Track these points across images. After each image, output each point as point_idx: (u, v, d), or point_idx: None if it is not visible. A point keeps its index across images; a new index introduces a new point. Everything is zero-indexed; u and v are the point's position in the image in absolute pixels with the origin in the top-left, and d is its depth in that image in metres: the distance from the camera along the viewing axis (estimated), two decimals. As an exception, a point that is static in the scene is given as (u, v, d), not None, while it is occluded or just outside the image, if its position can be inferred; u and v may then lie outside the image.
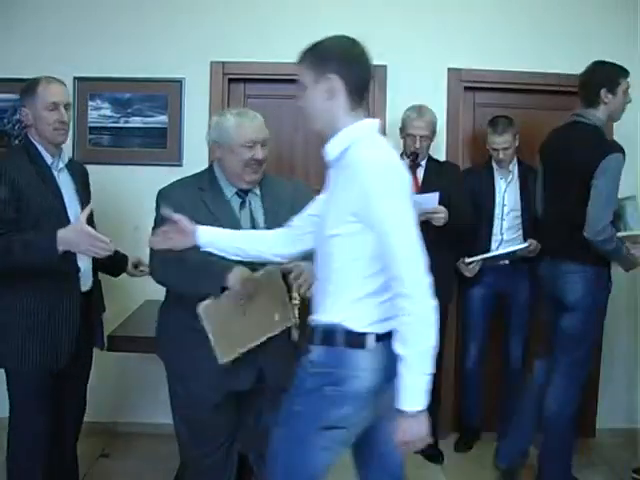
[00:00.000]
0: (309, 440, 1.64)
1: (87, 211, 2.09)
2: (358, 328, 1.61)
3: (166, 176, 3.27)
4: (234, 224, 2.11)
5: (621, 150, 2.56)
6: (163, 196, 2.16)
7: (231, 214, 2.16)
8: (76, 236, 2.02)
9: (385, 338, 1.59)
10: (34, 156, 2.23)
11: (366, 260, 1.60)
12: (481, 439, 3.43)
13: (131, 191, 3.39)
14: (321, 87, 1.61)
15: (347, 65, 1.60)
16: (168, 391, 2.29)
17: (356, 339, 1.61)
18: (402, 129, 3.15)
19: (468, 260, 3.13)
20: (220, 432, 2.26)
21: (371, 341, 1.60)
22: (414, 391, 1.54)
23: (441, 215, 2.86)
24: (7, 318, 2.20)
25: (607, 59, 3.13)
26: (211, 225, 1.98)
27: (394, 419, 1.57)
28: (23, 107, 2.26)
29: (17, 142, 3.23)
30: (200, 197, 2.15)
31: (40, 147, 2.24)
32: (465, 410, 3.44)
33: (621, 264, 2.68)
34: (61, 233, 2.03)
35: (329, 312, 1.65)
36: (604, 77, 2.69)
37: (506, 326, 3.34)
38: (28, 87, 2.23)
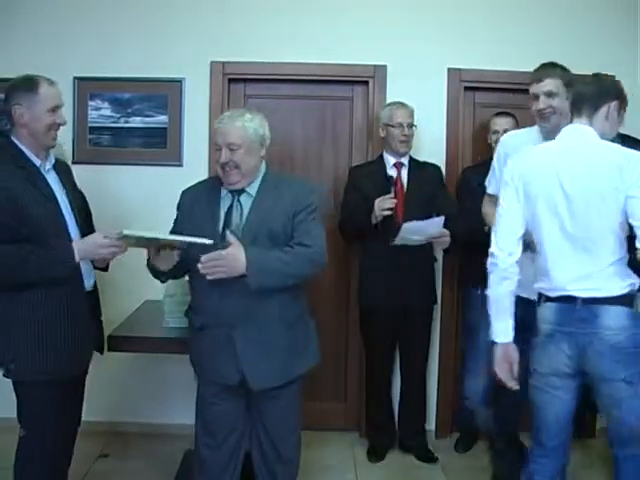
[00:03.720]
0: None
1: None
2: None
3: (166, 176, 3.35)
4: (209, 221, 2.22)
5: None
6: (182, 193, 2.39)
7: (213, 211, 2.25)
8: (94, 248, 2.12)
9: (547, 301, 2.10)
10: (20, 159, 2.15)
11: None
12: (480, 440, 3.42)
13: (131, 191, 3.40)
14: None
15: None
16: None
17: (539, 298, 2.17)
18: (386, 123, 3.17)
19: None
20: (224, 426, 2.34)
21: (540, 301, 2.15)
22: None
23: (446, 239, 2.97)
24: (14, 328, 2.12)
25: (607, 60, 3.12)
26: (202, 219, 2.22)
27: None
28: (17, 104, 2.11)
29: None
30: (206, 194, 2.31)
31: (25, 149, 2.16)
32: (464, 411, 3.42)
33: None
34: (79, 245, 2.12)
35: None
36: None
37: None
38: (27, 86, 2.13)
